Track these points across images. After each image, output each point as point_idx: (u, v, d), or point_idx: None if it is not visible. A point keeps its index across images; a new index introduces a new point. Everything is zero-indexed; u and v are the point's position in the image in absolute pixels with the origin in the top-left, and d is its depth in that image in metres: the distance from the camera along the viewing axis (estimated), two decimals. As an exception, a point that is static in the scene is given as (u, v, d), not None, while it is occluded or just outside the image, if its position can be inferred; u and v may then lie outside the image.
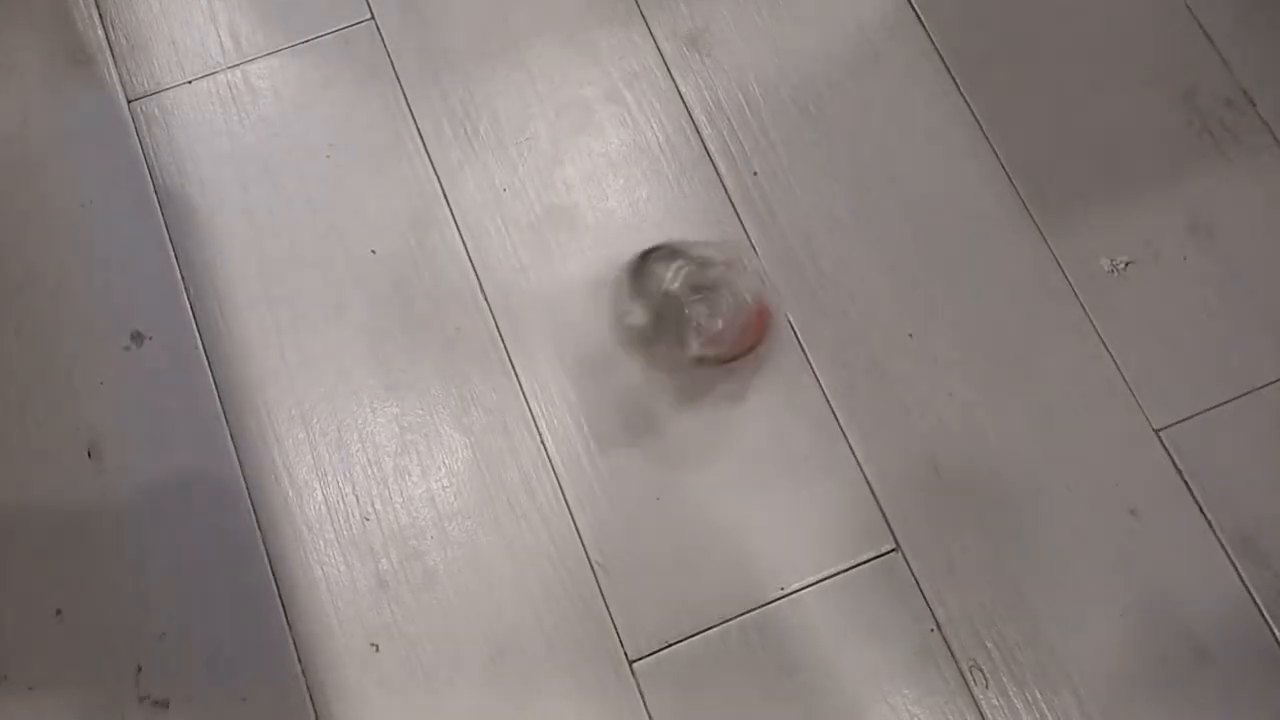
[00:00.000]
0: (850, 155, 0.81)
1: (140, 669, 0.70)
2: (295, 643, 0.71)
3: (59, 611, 0.71)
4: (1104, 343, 0.77)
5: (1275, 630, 0.71)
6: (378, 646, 0.71)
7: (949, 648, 0.71)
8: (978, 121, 0.81)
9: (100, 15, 0.84)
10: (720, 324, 0.68)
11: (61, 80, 0.82)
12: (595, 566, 0.72)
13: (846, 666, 0.70)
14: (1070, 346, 0.77)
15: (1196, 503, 0.73)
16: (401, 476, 0.74)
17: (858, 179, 0.80)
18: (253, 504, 0.73)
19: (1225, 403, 0.75)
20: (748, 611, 0.71)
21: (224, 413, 0.75)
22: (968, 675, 0.70)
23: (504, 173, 0.80)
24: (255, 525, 0.73)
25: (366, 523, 0.73)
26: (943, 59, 0.83)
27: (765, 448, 0.74)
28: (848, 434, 0.75)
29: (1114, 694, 0.70)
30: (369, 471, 0.74)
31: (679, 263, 0.70)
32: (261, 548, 0.72)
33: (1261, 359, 0.76)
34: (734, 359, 0.73)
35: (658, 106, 0.82)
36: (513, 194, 0.80)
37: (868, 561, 0.72)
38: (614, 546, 0.72)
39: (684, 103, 0.82)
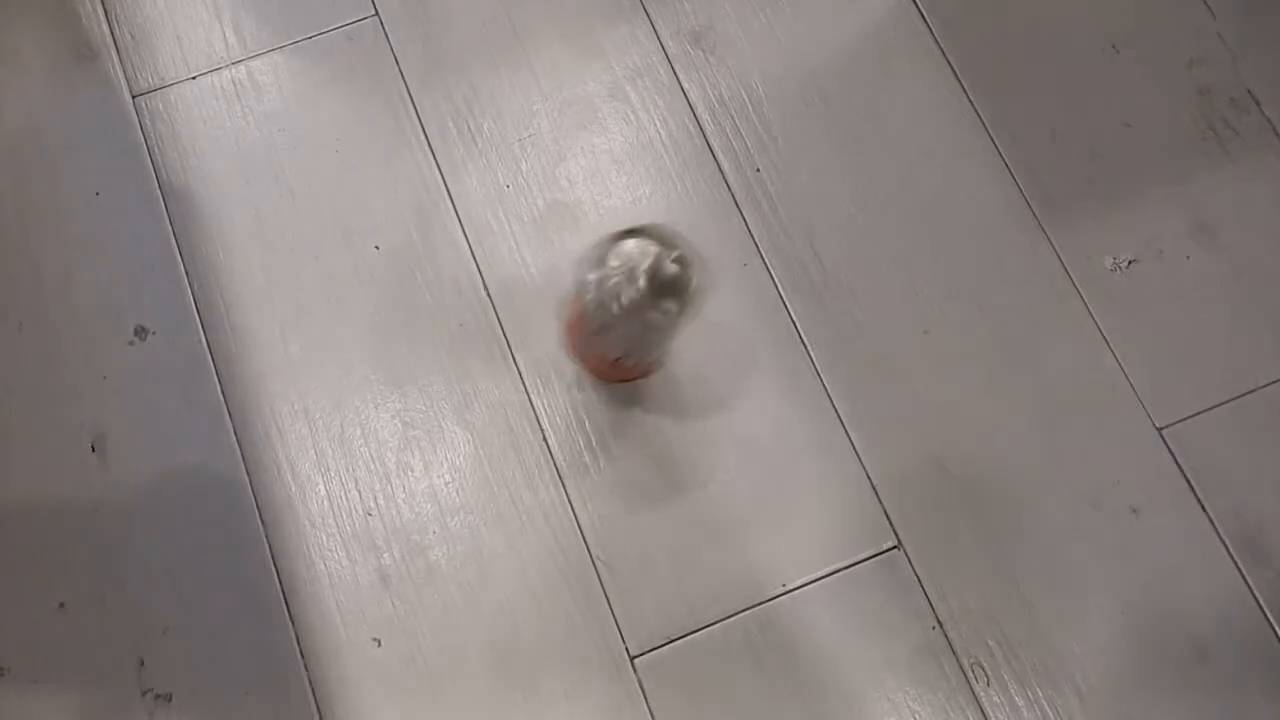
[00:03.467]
0: (853, 153, 0.81)
1: (143, 663, 0.70)
2: (297, 637, 0.71)
3: (62, 605, 0.71)
4: (1107, 341, 0.77)
5: (1277, 629, 0.71)
6: (379, 641, 0.71)
7: (950, 645, 0.71)
8: (981, 119, 0.82)
9: (105, 11, 0.84)
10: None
11: (66, 75, 0.83)
12: (597, 562, 0.72)
13: (848, 663, 0.70)
14: (1073, 345, 0.77)
15: (1198, 501, 0.73)
16: (404, 472, 0.74)
17: (861, 176, 0.80)
18: (255, 499, 0.74)
19: (1228, 401, 0.75)
20: (749, 608, 0.71)
21: (227, 408, 0.75)
22: (969, 672, 0.70)
23: (507, 169, 0.81)
24: (258, 520, 0.73)
25: (369, 518, 0.73)
26: (946, 57, 0.83)
27: (767, 445, 0.74)
28: (850, 431, 0.75)
29: (1115, 692, 0.70)
30: (371, 467, 0.74)
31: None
32: (264, 542, 0.73)
33: (1264, 357, 0.76)
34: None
35: (661, 103, 0.82)
36: (516, 190, 0.80)
37: (869, 558, 0.72)
38: (616, 542, 0.72)
39: (687, 99, 0.82)
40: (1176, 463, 0.74)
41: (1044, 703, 0.70)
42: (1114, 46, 0.84)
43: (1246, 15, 0.84)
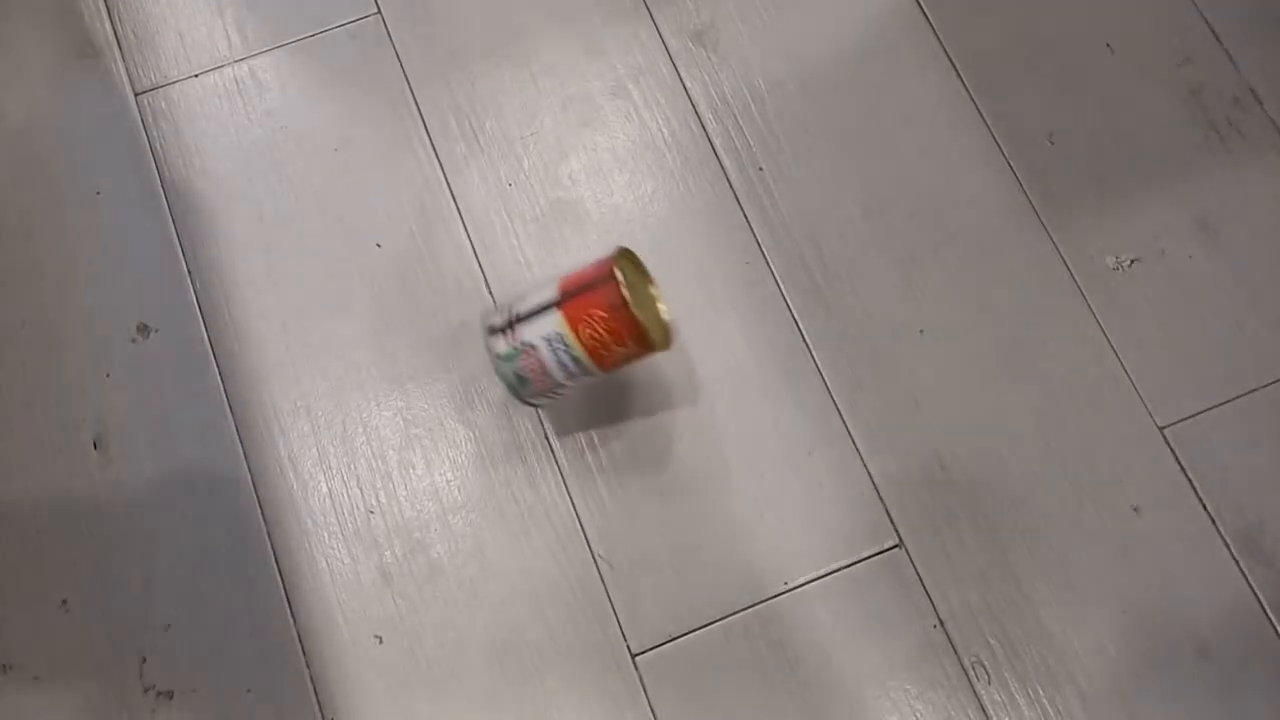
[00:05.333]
0: (855, 152, 0.81)
1: (145, 660, 0.70)
2: (299, 635, 0.71)
3: (64, 602, 0.71)
4: (1109, 340, 0.77)
5: (1278, 628, 0.71)
6: (381, 639, 0.71)
7: (951, 643, 0.71)
8: (983, 118, 0.81)
9: (107, 8, 0.84)
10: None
11: (69, 73, 0.83)
12: (598, 560, 0.72)
13: (849, 661, 0.70)
14: (1075, 344, 0.77)
15: (1200, 500, 0.73)
16: (406, 470, 0.74)
17: (863, 176, 0.80)
18: (257, 497, 0.74)
19: (1229, 401, 0.75)
20: (751, 606, 0.71)
21: (229, 405, 0.75)
22: (970, 671, 0.70)
23: (509, 167, 0.81)
24: (260, 518, 0.73)
25: (371, 516, 0.73)
26: (949, 55, 0.83)
27: (770, 442, 0.74)
28: (852, 429, 0.75)
29: (1116, 691, 0.70)
30: (373, 465, 0.74)
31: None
32: (266, 540, 0.73)
33: (1266, 357, 0.76)
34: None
35: (663, 102, 0.82)
36: (518, 188, 0.80)
37: (871, 557, 0.72)
38: (617, 540, 0.72)
39: (689, 98, 0.82)
40: (1178, 462, 0.74)
41: (1045, 701, 0.70)
42: (1114, 46, 0.84)
43: (1249, 16, 0.84)
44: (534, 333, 0.65)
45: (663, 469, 0.74)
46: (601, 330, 0.64)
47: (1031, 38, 0.84)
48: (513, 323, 0.66)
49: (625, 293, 0.63)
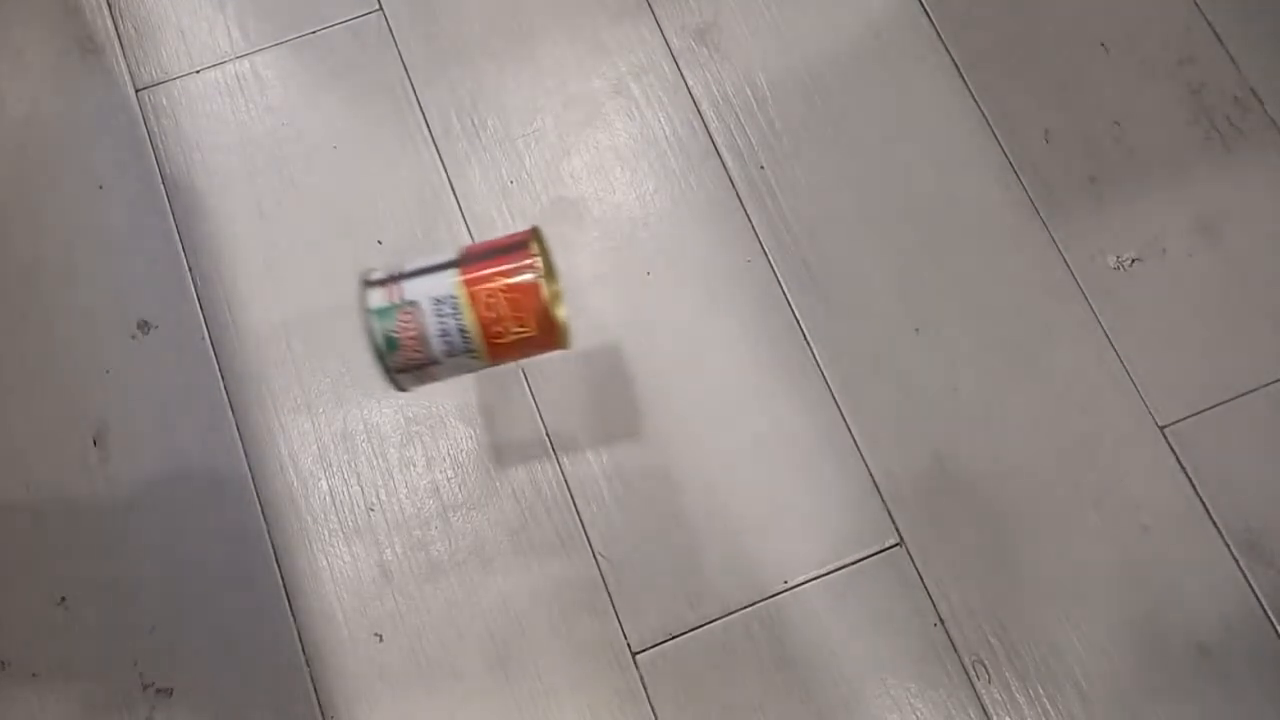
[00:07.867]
0: (857, 150, 0.81)
1: (144, 657, 0.70)
2: (299, 632, 0.71)
3: (63, 599, 0.71)
4: (1109, 339, 0.77)
5: (1278, 627, 0.71)
6: (381, 636, 0.71)
7: (952, 642, 0.71)
8: (984, 117, 0.82)
9: (109, 4, 0.84)
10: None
11: (70, 69, 0.82)
12: (599, 558, 0.72)
13: (850, 660, 0.70)
14: (1076, 343, 0.77)
15: (1200, 500, 0.73)
16: (406, 467, 0.74)
17: (864, 174, 0.80)
18: (258, 494, 0.73)
19: (1230, 400, 0.75)
20: (751, 604, 0.71)
21: (230, 402, 0.75)
22: (970, 670, 0.70)
23: (511, 165, 0.80)
24: (260, 515, 0.73)
25: (371, 513, 0.73)
26: (950, 54, 0.83)
27: (770, 441, 0.74)
28: (852, 428, 0.75)
29: (1116, 690, 0.70)
30: (374, 462, 0.74)
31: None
32: (266, 537, 0.73)
33: (1267, 356, 0.76)
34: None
35: (665, 100, 0.82)
36: (519, 186, 0.80)
37: (872, 556, 0.72)
38: (618, 538, 0.72)
39: (691, 96, 0.82)
40: (1179, 461, 0.74)
41: (1045, 700, 0.70)
42: (1115, 46, 0.84)
43: (1250, 16, 0.84)
44: (421, 290, 0.56)
45: (663, 467, 0.74)
46: (503, 301, 0.56)
47: (1032, 37, 0.84)
48: (396, 277, 0.57)
49: (538, 263, 0.57)
